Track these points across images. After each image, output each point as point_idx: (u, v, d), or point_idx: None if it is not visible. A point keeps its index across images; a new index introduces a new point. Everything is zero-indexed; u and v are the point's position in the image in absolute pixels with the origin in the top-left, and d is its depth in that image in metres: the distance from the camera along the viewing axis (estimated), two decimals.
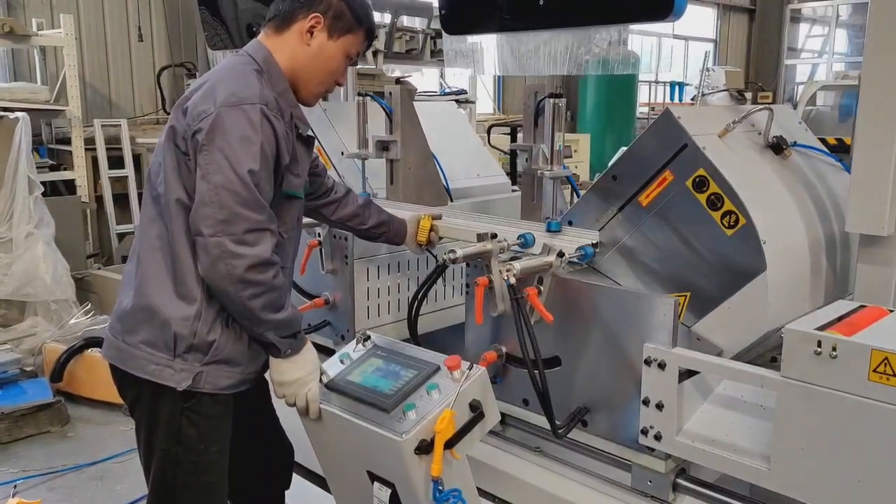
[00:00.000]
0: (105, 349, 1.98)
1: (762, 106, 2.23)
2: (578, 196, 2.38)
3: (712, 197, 1.93)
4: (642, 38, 13.62)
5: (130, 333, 1.89)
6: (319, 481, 2.46)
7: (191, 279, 1.84)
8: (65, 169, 6.38)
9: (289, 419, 2.59)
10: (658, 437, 1.79)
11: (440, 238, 2.48)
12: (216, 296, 1.83)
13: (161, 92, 7.54)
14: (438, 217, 2.49)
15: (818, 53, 15.37)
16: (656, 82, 13.59)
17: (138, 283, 1.89)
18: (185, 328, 1.85)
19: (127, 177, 6.74)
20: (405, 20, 7.59)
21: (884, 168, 1.77)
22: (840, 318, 1.61)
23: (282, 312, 1.85)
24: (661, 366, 1.77)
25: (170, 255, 1.85)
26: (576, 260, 2.09)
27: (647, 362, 1.79)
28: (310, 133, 2.07)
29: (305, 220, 2.66)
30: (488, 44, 2.33)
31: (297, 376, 1.92)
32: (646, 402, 1.81)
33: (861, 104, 1.80)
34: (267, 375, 2.03)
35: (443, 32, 2.44)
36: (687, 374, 1.80)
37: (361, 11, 2.01)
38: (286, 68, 1.97)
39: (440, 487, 1.73)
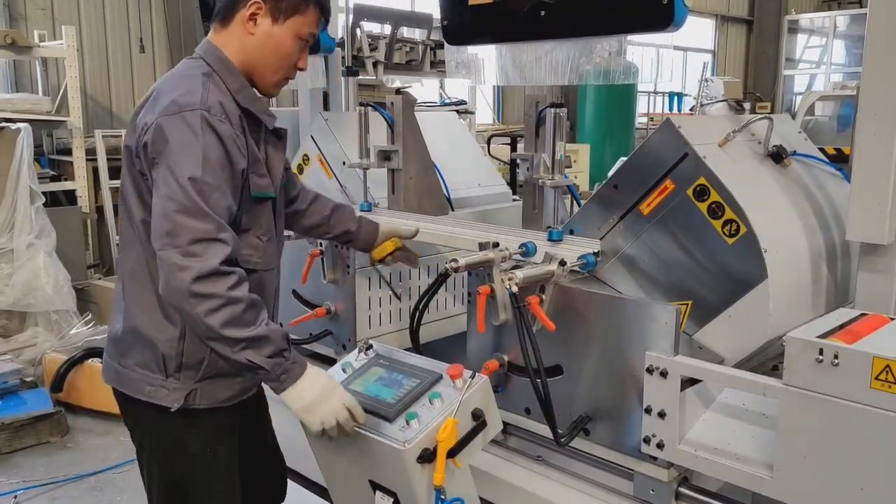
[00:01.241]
0: (104, 372, 1.98)
1: (762, 115, 2.24)
2: (579, 205, 2.39)
3: (713, 206, 1.94)
4: (642, 49, 13.68)
5: (124, 356, 1.89)
6: (321, 491, 2.45)
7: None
8: (66, 179, 6.40)
9: (286, 428, 2.59)
10: (660, 446, 1.79)
11: (403, 256, 2.43)
12: (182, 318, 1.77)
13: None
14: (410, 236, 2.42)
15: (816, 64, 15.42)
16: (655, 93, 13.64)
17: (126, 306, 1.89)
18: (171, 349, 1.84)
19: None
20: (405, 31, 7.62)
21: (883, 177, 1.78)
22: (841, 327, 1.62)
23: (252, 328, 1.68)
24: (663, 374, 1.77)
25: (149, 276, 1.82)
26: (577, 269, 2.10)
27: (649, 371, 1.79)
28: (278, 125, 1.98)
29: None
30: (489, 54, 2.34)
31: (311, 396, 1.76)
32: (648, 411, 1.81)
33: (860, 112, 1.81)
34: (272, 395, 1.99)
35: (444, 43, 2.45)
36: (689, 382, 1.80)
37: None
38: (238, 62, 1.89)
39: (442, 496, 1.73)
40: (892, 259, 1.84)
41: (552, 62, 2.11)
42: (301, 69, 1.98)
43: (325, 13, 1.96)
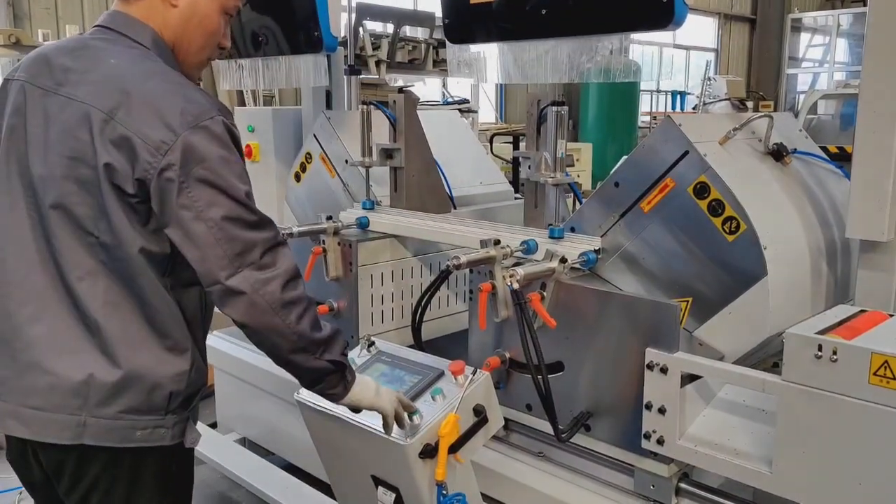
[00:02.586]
0: (50, 432, 1.56)
1: (762, 113, 2.25)
2: (581, 203, 2.40)
3: (713, 203, 1.95)
4: (644, 48, 13.68)
5: (104, 405, 1.56)
6: (324, 487, 2.47)
7: (178, 330, 1.61)
8: None
9: (288, 426, 2.61)
10: (661, 442, 1.81)
11: None
12: (261, 344, 1.58)
13: None
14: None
15: (819, 63, 15.40)
16: (658, 91, 13.64)
17: (107, 348, 1.56)
18: (180, 384, 1.61)
19: None
20: (407, 30, 7.63)
21: (883, 174, 1.79)
22: (840, 323, 1.63)
23: (325, 327, 1.62)
24: (664, 370, 1.78)
25: (140, 309, 1.57)
26: (578, 266, 2.11)
27: (650, 367, 1.80)
28: None
29: (308, 227, 2.70)
30: (491, 52, 2.35)
31: (370, 382, 1.73)
32: (648, 407, 1.82)
33: (860, 111, 1.82)
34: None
35: (446, 42, 2.46)
36: (689, 378, 1.82)
37: None
38: (165, 38, 1.65)
39: (444, 491, 1.74)
40: (892, 256, 1.85)
41: (554, 60, 2.11)
42: (223, 48, 1.78)
43: None
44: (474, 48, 2.43)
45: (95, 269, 1.55)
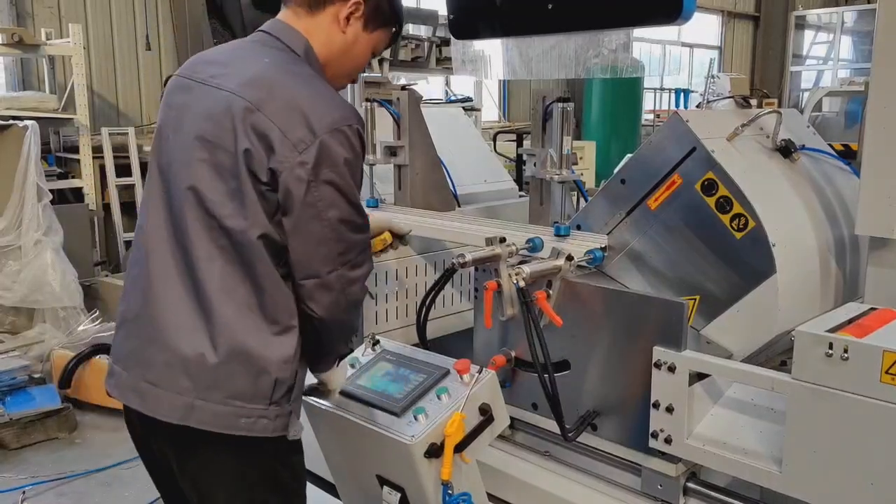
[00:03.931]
0: (161, 409, 1.64)
1: (770, 109, 2.23)
2: (586, 200, 2.38)
3: (721, 200, 1.93)
4: (651, 46, 13.65)
5: (212, 388, 1.62)
6: (328, 487, 2.46)
7: (285, 315, 1.65)
8: (73, 177, 6.42)
9: None
10: (668, 441, 1.79)
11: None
12: (322, 333, 1.71)
13: None
14: (403, 233, 2.37)
15: (823, 60, 15.35)
16: (661, 89, 13.61)
17: (218, 330, 1.62)
18: (286, 371, 1.66)
19: (134, 185, 6.77)
20: (411, 28, 7.62)
21: (893, 171, 1.77)
22: (851, 321, 1.61)
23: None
24: (671, 369, 1.76)
25: (253, 293, 1.63)
26: (585, 264, 2.09)
27: (657, 365, 1.78)
28: None
29: None
30: (496, 49, 2.34)
31: (341, 378, 1.95)
32: (656, 406, 1.80)
33: (870, 106, 1.80)
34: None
35: (451, 39, 2.45)
36: (697, 377, 1.80)
37: (398, 5, 1.87)
38: (319, 55, 1.78)
39: (450, 491, 1.73)
40: None
41: (559, 56, 2.10)
42: (354, 82, 2.06)
43: (396, 37, 1.95)
44: (478, 45, 2.42)
45: (214, 253, 1.63)
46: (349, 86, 3.56)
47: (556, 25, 2.08)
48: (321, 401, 1.92)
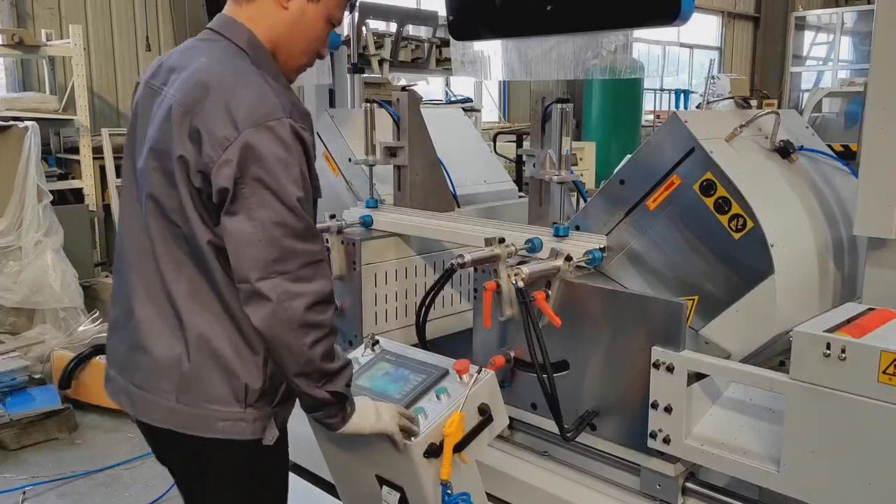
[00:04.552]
0: (147, 412, 1.67)
1: (769, 110, 2.24)
2: (586, 201, 2.38)
3: (720, 201, 1.94)
4: (650, 47, 13.65)
5: (187, 391, 1.62)
6: (328, 487, 2.46)
7: (249, 326, 1.58)
8: (73, 178, 6.42)
9: (292, 425, 2.59)
10: (667, 441, 1.79)
11: None
12: (272, 356, 1.59)
13: None
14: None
15: (823, 61, 15.35)
16: (661, 90, 13.61)
17: (189, 334, 1.61)
18: (255, 377, 1.63)
19: None
20: (410, 29, 7.62)
21: (891, 171, 1.77)
22: (849, 321, 1.61)
23: (338, 359, 1.63)
24: (670, 369, 1.77)
25: (217, 299, 1.61)
26: (584, 264, 2.10)
27: (656, 366, 1.79)
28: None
29: None
30: (495, 50, 2.34)
31: (370, 408, 1.73)
32: (654, 406, 1.81)
33: (868, 108, 1.80)
34: None
35: (451, 40, 2.45)
36: (695, 377, 1.80)
37: None
38: (265, 41, 1.69)
39: (449, 491, 1.73)
40: None
41: (558, 57, 2.10)
42: (321, 57, 1.82)
43: None
44: (478, 46, 2.42)
45: (180, 260, 1.63)
46: (350, 87, 3.58)
47: (555, 27, 2.08)
48: None
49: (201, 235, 1.58)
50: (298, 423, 2.15)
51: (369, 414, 1.71)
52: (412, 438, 1.72)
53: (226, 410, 1.63)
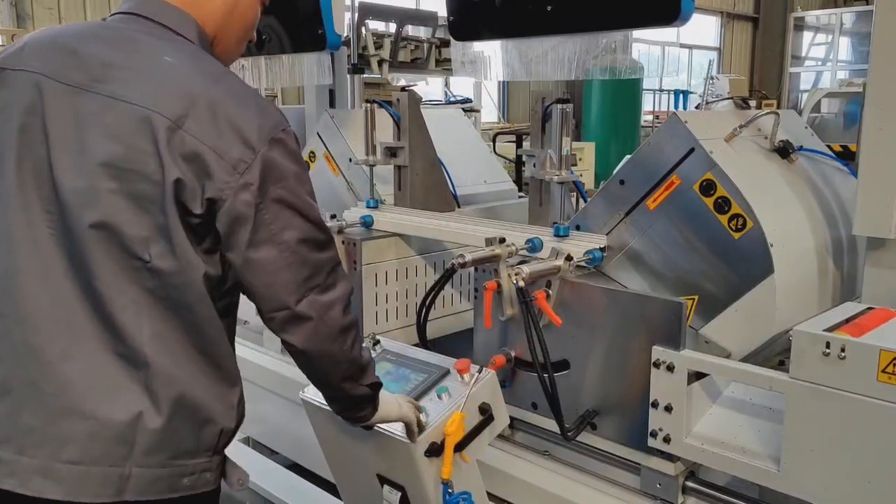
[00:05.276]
0: (87, 488, 1.35)
1: (768, 111, 2.25)
2: (586, 201, 2.39)
3: (720, 200, 1.94)
4: (650, 47, 13.67)
5: (153, 452, 1.39)
6: (329, 486, 2.46)
7: (228, 359, 1.48)
8: None
9: (292, 425, 2.60)
10: (667, 440, 1.80)
11: None
12: (314, 372, 1.49)
13: None
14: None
15: (822, 61, 15.38)
16: (661, 90, 13.64)
17: (157, 383, 1.39)
18: (231, 418, 1.48)
19: None
20: (410, 30, 7.63)
21: (890, 171, 1.78)
22: (848, 320, 1.62)
23: (366, 350, 1.56)
24: (670, 368, 1.77)
25: (192, 340, 1.42)
26: (584, 264, 2.11)
27: (656, 365, 1.79)
28: None
29: None
30: (495, 50, 2.35)
31: (392, 398, 1.68)
32: (654, 405, 1.81)
33: (867, 107, 1.81)
34: None
35: (451, 40, 2.46)
36: (695, 376, 1.81)
37: None
38: (207, 31, 1.51)
39: (450, 490, 1.73)
40: None
41: (558, 57, 2.11)
42: (251, 42, 1.66)
43: None
44: (478, 46, 2.43)
45: (140, 297, 1.36)
46: (350, 87, 3.59)
47: (555, 27, 2.09)
48: (320, 400, 1.92)
49: (194, 268, 1.37)
50: (298, 422, 2.16)
51: (391, 402, 1.66)
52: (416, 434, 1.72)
53: (193, 463, 1.43)
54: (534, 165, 2.49)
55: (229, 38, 1.55)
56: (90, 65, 1.37)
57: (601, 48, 2.02)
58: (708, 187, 1.96)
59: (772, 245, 1.88)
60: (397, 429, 1.74)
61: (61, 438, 1.35)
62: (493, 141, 7.65)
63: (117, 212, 1.33)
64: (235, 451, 3.20)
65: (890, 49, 1.76)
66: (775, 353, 2.10)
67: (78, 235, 1.34)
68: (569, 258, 2.00)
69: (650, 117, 12.51)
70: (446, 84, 9.61)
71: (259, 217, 1.34)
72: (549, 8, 2.06)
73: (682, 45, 14.91)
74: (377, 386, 1.60)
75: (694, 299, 2.01)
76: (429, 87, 9.02)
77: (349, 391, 1.53)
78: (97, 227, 1.33)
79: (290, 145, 1.40)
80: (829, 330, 1.55)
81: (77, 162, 1.33)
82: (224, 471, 1.52)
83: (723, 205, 1.94)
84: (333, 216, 2.72)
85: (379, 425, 1.76)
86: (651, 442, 1.83)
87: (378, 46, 6.94)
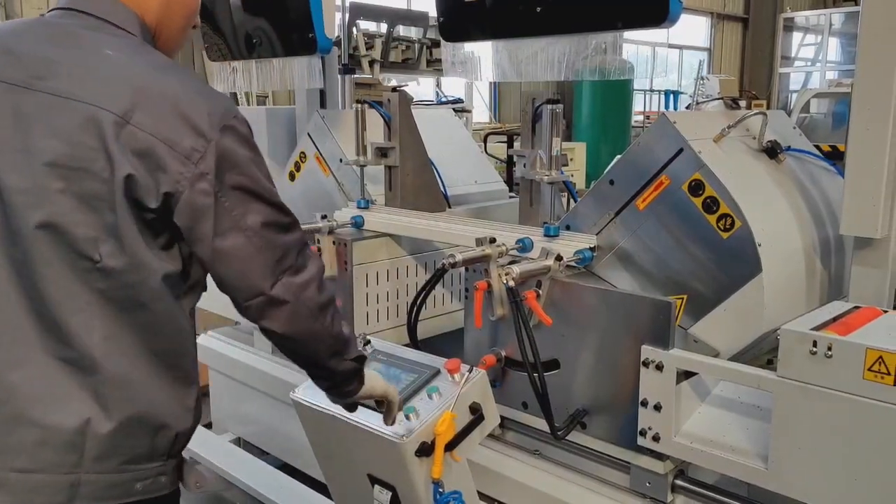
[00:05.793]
0: (38, 496, 1.33)
1: (756, 111, 2.26)
2: (576, 201, 2.40)
3: (708, 200, 1.96)
4: (640, 48, 13.71)
5: (104, 458, 1.36)
6: (320, 487, 2.47)
7: (187, 359, 1.46)
8: None
9: (284, 425, 2.60)
10: (656, 439, 1.81)
11: None
12: (298, 351, 1.48)
13: None
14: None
15: (811, 62, 15.46)
16: (651, 91, 13.69)
17: (109, 388, 1.36)
18: (187, 421, 1.46)
19: None
20: (401, 30, 7.63)
21: (876, 171, 1.80)
22: (835, 319, 1.63)
23: (346, 323, 1.53)
24: (659, 367, 1.78)
25: (147, 341, 1.39)
26: (574, 263, 2.12)
27: (645, 364, 1.80)
28: None
29: (305, 225, 2.69)
30: (486, 51, 2.36)
31: (380, 382, 1.66)
32: (644, 404, 1.82)
33: (854, 108, 1.82)
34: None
35: (441, 42, 2.46)
36: (684, 375, 1.82)
37: None
38: (147, 23, 1.47)
39: (441, 490, 1.74)
40: (885, 253, 1.86)
41: (548, 58, 2.12)
42: (195, 27, 1.63)
43: None
44: (468, 47, 2.43)
45: (91, 300, 1.34)
46: (341, 88, 3.58)
47: (545, 28, 2.10)
48: (310, 400, 1.93)
49: (150, 268, 1.34)
50: (289, 423, 2.16)
51: (376, 377, 1.65)
52: (404, 438, 1.72)
53: (148, 467, 1.40)
54: (524, 166, 2.50)
55: (171, 27, 1.52)
56: (29, 62, 1.34)
57: (591, 49, 2.03)
58: (696, 187, 1.97)
59: (760, 245, 1.89)
60: (385, 429, 1.74)
61: (11, 447, 1.33)
62: (484, 141, 7.67)
63: (65, 212, 1.30)
64: (226, 451, 3.22)
65: (876, 49, 1.78)
66: (763, 352, 2.12)
67: (24, 237, 1.31)
68: (559, 258, 2.01)
69: (641, 117, 12.55)
70: (437, 84, 9.62)
71: (220, 206, 1.33)
72: (538, 9, 2.07)
73: (673, 46, 14.96)
74: (362, 359, 1.59)
75: (683, 299, 2.02)
76: (420, 87, 9.03)
77: (336, 367, 1.51)
78: (44, 228, 1.30)
79: (242, 131, 1.37)
80: (817, 329, 1.57)
81: (21, 162, 1.30)
82: (181, 473, 1.49)
83: (711, 205, 1.95)
84: (324, 216, 2.71)
85: (369, 424, 1.77)
86: (640, 441, 1.84)
87: (369, 47, 6.95)
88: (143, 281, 1.35)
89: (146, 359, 1.39)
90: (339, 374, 1.54)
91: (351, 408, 1.70)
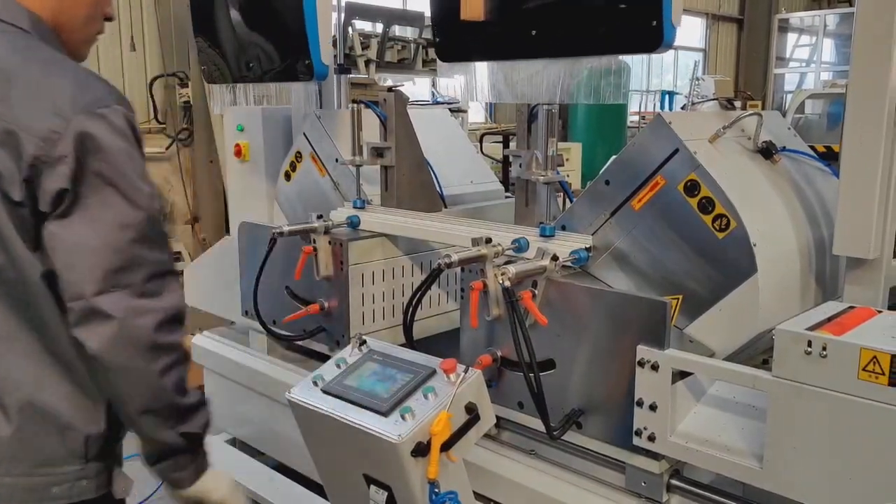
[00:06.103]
0: None
1: (751, 111, 2.27)
2: (572, 201, 2.40)
3: (703, 201, 1.96)
4: None
5: (14, 460, 1.34)
6: (315, 487, 2.46)
7: (83, 371, 1.39)
8: None
9: (280, 425, 2.60)
10: (652, 438, 1.81)
11: None
12: (111, 392, 1.35)
13: (153, 101, 7.55)
14: None
15: (806, 63, 15.50)
16: (647, 91, 13.70)
17: (3, 389, 1.34)
18: (97, 423, 1.39)
19: None
20: (397, 30, 7.62)
21: (869, 193, 1.80)
22: (830, 319, 1.64)
23: (191, 393, 1.39)
24: (655, 367, 1.79)
25: (40, 341, 1.34)
26: (570, 264, 2.12)
27: (641, 364, 1.81)
28: None
29: (299, 226, 2.69)
30: (482, 72, 2.36)
31: (225, 474, 1.53)
32: (639, 404, 1.82)
33: (847, 125, 1.81)
34: None
35: (437, 61, 2.47)
36: (680, 375, 1.82)
37: None
38: (46, 19, 1.43)
39: (436, 490, 1.74)
40: (878, 273, 1.87)
41: (544, 80, 2.12)
42: (110, 18, 1.57)
43: None
44: (465, 67, 2.43)
45: None
46: (337, 88, 3.58)
47: (540, 51, 2.11)
48: (306, 400, 1.92)
49: (28, 266, 1.29)
50: (284, 423, 2.15)
51: (225, 478, 1.51)
52: (400, 438, 1.72)
53: (62, 471, 1.36)
54: (520, 166, 2.50)
55: (73, 20, 1.46)
56: None
57: (586, 72, 2.04)
58: (692, 188, 1.97)
59: (755, 245, 1.90)
60: (382, 428, 1.74)
61: None
62: (480, 141, 7.67)
63: None
64: (221, 451, 3.22)
65: (870, 56, 1.77)
66: (759, 352, 2.12)
67: None
68: (555, 258, 2.01)
69: (636, 118, 12.56)
70: (433, 84, 9.62)
71: (76, 190, 1.25)
72: (533, 32, 2.07)
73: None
74: (196, 440, 1.42)
75: (678, 299, 2.03)
76: (416, 87, 9.02)
77: (151, 429, 1.36)
78: None
79: (118, 123, 1.29)
80: (811, 329, 1.57)
81: None
82: (111, 478, 1.44)
83: (707, 205, 1.95)
84: (320, 216, 2.71)
85: (364, 424, 1.77)
86: (636, 440, 1.84)
87: (365, 47, 6.93)
88: (24, 279, 1.30)
89: (40, 359, 1.34)
90: (155, 443, 1.40)
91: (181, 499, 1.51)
